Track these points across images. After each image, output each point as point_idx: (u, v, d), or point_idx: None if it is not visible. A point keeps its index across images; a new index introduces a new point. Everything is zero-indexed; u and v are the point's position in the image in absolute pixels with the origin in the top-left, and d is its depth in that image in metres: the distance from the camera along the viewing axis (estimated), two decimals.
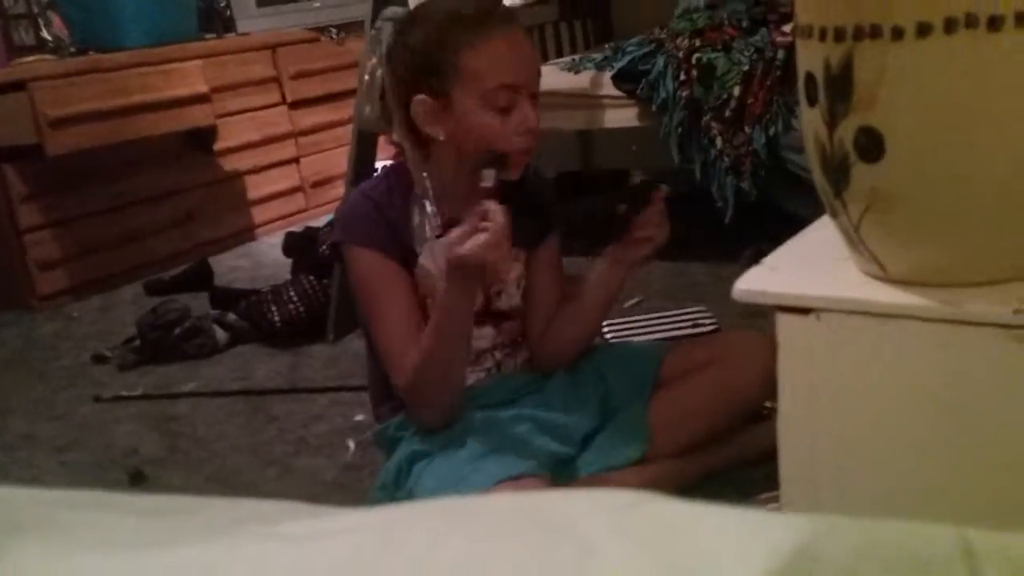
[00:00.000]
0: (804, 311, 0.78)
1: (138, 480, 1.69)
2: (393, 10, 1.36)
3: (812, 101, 0.74)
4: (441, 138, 1.30)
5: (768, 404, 1.53)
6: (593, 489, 0.39)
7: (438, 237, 1.30)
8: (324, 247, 2.52)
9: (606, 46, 2.81)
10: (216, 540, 0.35)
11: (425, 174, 1.33)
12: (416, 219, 1.33)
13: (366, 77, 1.35)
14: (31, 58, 3.16)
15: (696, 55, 2.32)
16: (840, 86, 0.70)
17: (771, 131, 2.22)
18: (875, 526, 0.33)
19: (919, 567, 0.31)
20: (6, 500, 0.37)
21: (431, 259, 1.34)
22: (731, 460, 1.44)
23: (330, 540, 0.35)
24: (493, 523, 0.36)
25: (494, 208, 1.18)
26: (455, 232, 1.20)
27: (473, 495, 1.19)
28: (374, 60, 1.32)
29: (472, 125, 1.27)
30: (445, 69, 1.26)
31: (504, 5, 1.34)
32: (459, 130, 1.29)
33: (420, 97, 1.28)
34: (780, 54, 2.24)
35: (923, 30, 0.65)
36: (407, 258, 1.33)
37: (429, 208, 1.31)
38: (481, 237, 1.17)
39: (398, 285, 1.32)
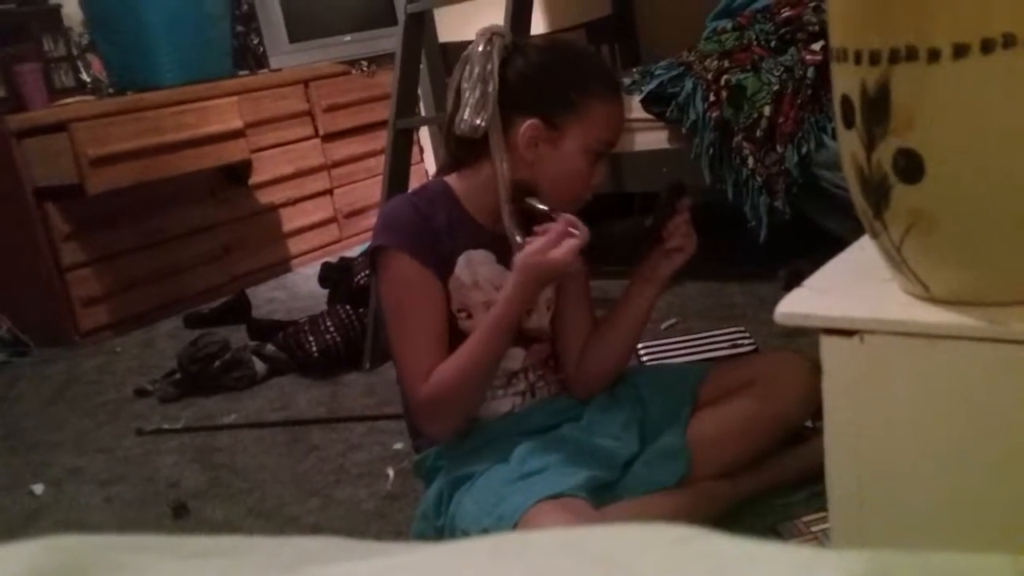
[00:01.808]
0: (848, 333, 0.78)
1: (181, 513, 1.71)
2: (497, 26, 1.38)
3: (849, 124, 0.74)
4: (530, 160, 1.32)
5: (809, 424, 1.52)
6: (642, 524, 0.39)
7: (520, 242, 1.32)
8: (360, 277, 2.54)
9: (634, 70, 2.82)
10: None
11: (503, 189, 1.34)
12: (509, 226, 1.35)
13: (464, 85, 1.32)
14: (71, 100, 3.24)
15: (725, 76, 2.32)
16: (877, 109, 0.70)
17: (803, 149, 2.21)
18: (930, 560, 0.32)
19: None
20: (59, 548, 0.37)
21: (467, 269, 1.35)
22: (772, 482, 1.43)
23: None
24: (543, 561, 0.36)
25: (576, 219, 1.26)
26: (541, 240, 1.24)
27: (516, 523, 1.19)
28: (477, 71, 1.31)
29: (569, 165, 1.32)
30: (571, 107, 1.31)
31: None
32: (554, 164, 1.32)
33: (533, 121, 1.31)
34: (810, 72, 2.24)
35: (960, 51, 0.65)
36: (442, 270, 1.34)
37: (506, 213, 1.34)
38: (573, 242, 1.23)
39: (433, 294, 1.32)
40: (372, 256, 1.35)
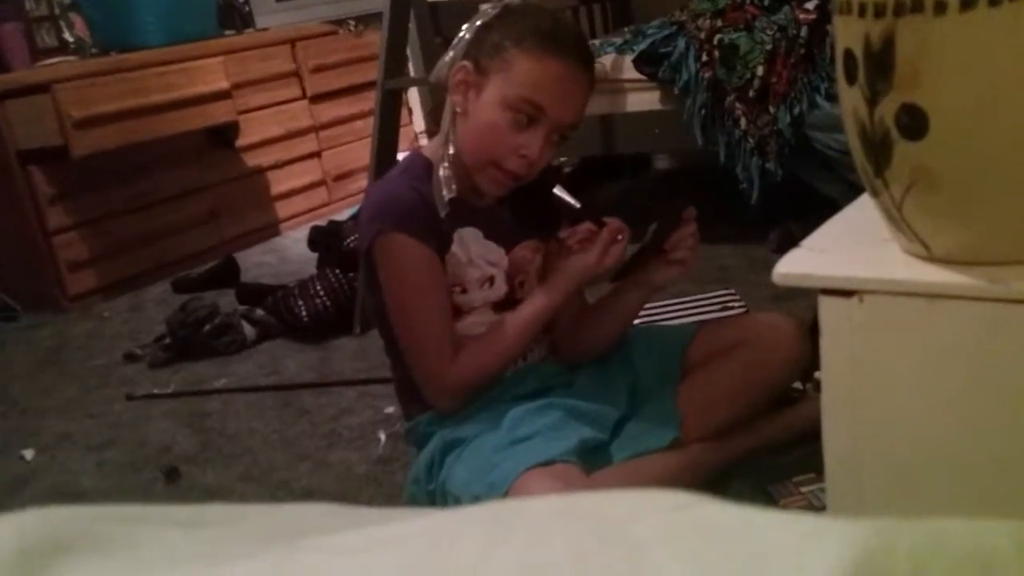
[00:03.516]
0: (847, 293, 0.77)
1: (173, 478, 1.71)
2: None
3: (851, 79, 0.72)
4: (458, 110, 1.31)
5: (799, 386, 1.52)
6: (640, 491, 0.38)
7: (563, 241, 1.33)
8: (349, 240, 2.52)
9: (626, 29, 2.79)
10: (264, 555, 0.35)
11: (452, 138, 1.33)
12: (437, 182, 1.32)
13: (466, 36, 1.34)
14: (54, 60, 3.19)
15: (718, 36, 2.29)
16: (881, 63, 0.68)
17: (796, 110, 2.19)
18: (933, 529, 0.32)
19: (980, 568, 0.30)
20: (48, 520, 0.36)
21: (461, 247, 1.34)
22: (763, 443, 1.44)
23: (378, 552, 0.35)
24: (541, 528, 0.36)
25: (621, 225, 1.29)
26: (595, 253, 1.27)
27: (509, 485, 1.19)
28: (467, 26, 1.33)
29: (484, 117, 1.28)
30: (498, 54, 1.27)
31: (590, 52, 1.34)
32: (475, 114, 1.29)
33: (463, 63, 1.29)
34: (803, 32, 2.21)
35: (967, 3, 0.63)
36: (441, 249, 1.33)
37: (443, 173, 1.31)
38: (618, 249, 1.28)
39: (440, 275, 1.32)
40: (373, 239, 1.31)
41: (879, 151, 0.72)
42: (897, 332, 0.76)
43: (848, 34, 0.71)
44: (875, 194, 0.77)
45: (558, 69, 1.26)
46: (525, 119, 1.26)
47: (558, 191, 1.33)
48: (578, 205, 1.32)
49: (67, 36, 3.42)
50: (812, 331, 1.36)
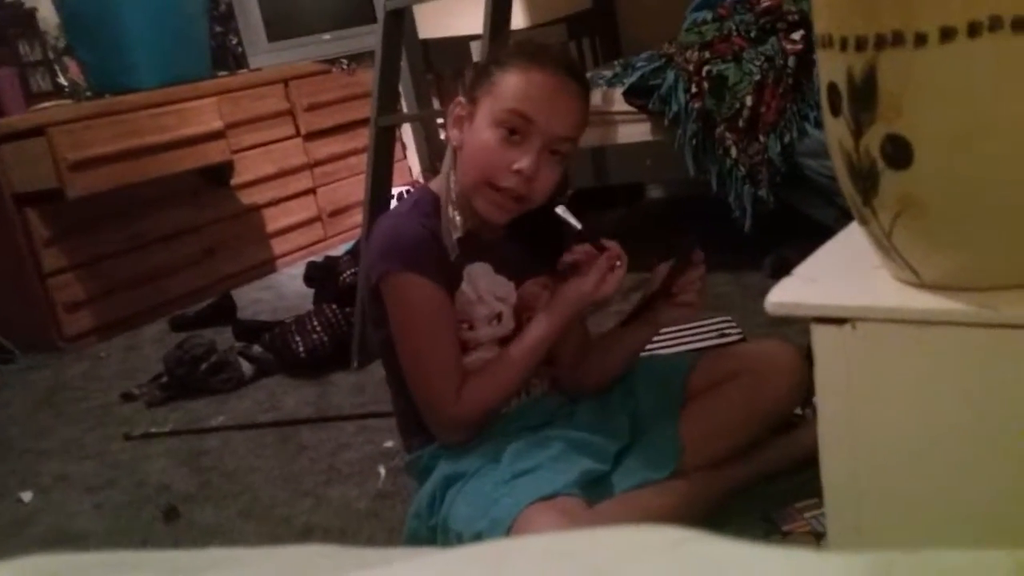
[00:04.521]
0: (840, 321, 0.78)
1: (172, 517, 1.70)
2: None
3: (836, 111, 0.74)
4: (454, 144, 1.33)
5: (799, 411, 1.53)
6: (636, 527, 0.38)
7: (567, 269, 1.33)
8: (346, 275, 2.53)
9: (616, 63, 2.82)
10: None
11: (453, 178, 1.34)
12: (445, 223, 1.33)
13: None
14: (49, 104, 3.20)
15: (706, 67, 2.32)
16: (864, 95, 0.70)
17: (786, 138, 2.22)
18: (930, 559, 0.32)
19: None
20: (43, 569, 0.36)
21: (470, 284, 1.35)
22: (763, 471, 1.44)
23: None
24: (537, 569, 0.36)
25: (619, 250, 1.28)
26: (592, 280, 1.27)
27: (512, 521, 1.19)
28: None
29: (477, 140, 1.28)
30: (486, 79, 1.28)
31: (578, 67, 1.35)
32: (469, 141, 1.30)
33: (459, 99, 1.32)
34: (791, 61, 2.24)
35: (947, 35, 0.65)
36: (450, 286, 1.33)
37: (450, 214, 1.32)
38: (617, 276, 1.27)
39: (448, 314, 1.32)
40: (382, 276, 1.31)
41: (866, 181, 0.74)
42: (890, 359, 0.77)
43: (831, 68, 0.73)
44: (864, 222, 0.78)
45: (542, 79, 1.26)
46: (516, 134, 1.26)
47: (561, 211, 1.32)
48: (579, 227, 1.32)
49: (61, 80, 3.45)
50: (809, 356, 1.37)
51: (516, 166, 1.26)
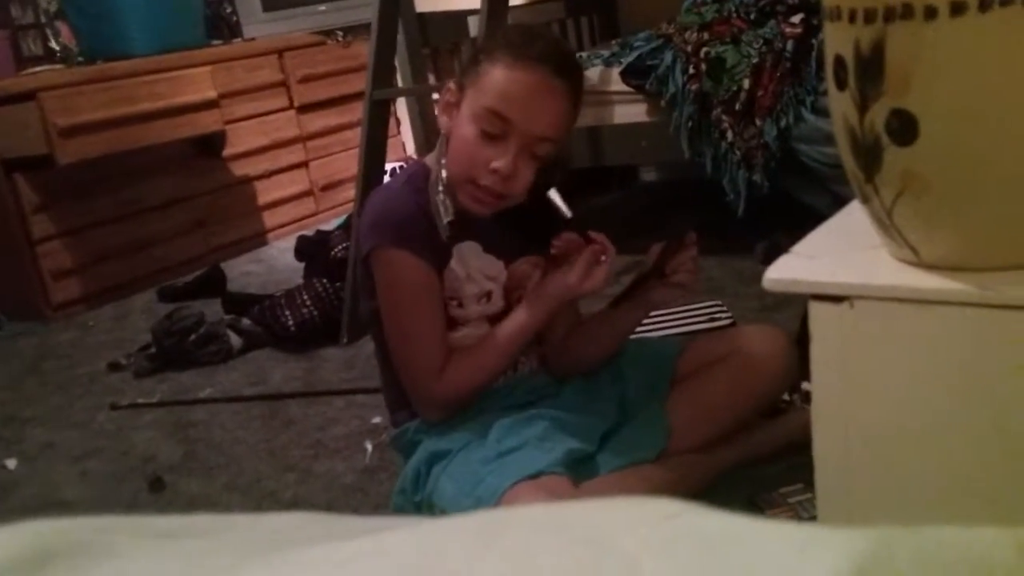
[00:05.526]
0: (837, 299, 0.77)
1: (157, 487, 1.69)
2: None
3: (841, 85, 0.72)
4: (443, 130, 1.32)
5: (786, 397, 1.53)
6: (630, 499, 0.38)
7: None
8: (337, 250, 2.51)
9: (613, 42, 2.80)
10: (248, 567, 0.34)
11: (443, 161, 1.33)
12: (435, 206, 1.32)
13: None
14: (40, 68, 3.17)
15: (705, 48, 2.31)
16: (871, 69, 0.69)
17: (782, 123, 2.21)
18: (932, 537, 0.31)
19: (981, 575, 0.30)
20: (28, 534, 0.36)
21: (460, 262, 1.34)
22: (750, 454, 1.44)
23: (363, 564, 0.34)
24: (529, 539, 0.35)
25: (606, 243, 1.27)
26: (577, 273, 1.26)
27: (497, 499, 1.18)
28: None
29: (459, 133, 1.28)
30: (473, 68, 1.28)
31: (573, 63, 1.32)
32: (454, 132, 1.30)
33: (450, 84, 1.31)
34: (789, 45, 2.23)
35: (957, 8, 0.64)
36: (439, 263, 1.32)
37: (440, 197, 1.31)
38: (603, 271, 1.26)
39: (436, 291, 1.32)
40: (371, 250, 1.31)
41: (869, 157, 0.73)
42: (887, 337, 0.77)
43: (838, 40, 0.72)
44: (865, 200, 0.77)
45: (525, 79, 1.23)
46: (494, 132, 1.24)
47: (553, 195, 1.31)
48: (569, 214, 1.31)
49: (53, 44, 3.41)
50: (798, 342, 1.36)
51: (493, 165, 1.25)
